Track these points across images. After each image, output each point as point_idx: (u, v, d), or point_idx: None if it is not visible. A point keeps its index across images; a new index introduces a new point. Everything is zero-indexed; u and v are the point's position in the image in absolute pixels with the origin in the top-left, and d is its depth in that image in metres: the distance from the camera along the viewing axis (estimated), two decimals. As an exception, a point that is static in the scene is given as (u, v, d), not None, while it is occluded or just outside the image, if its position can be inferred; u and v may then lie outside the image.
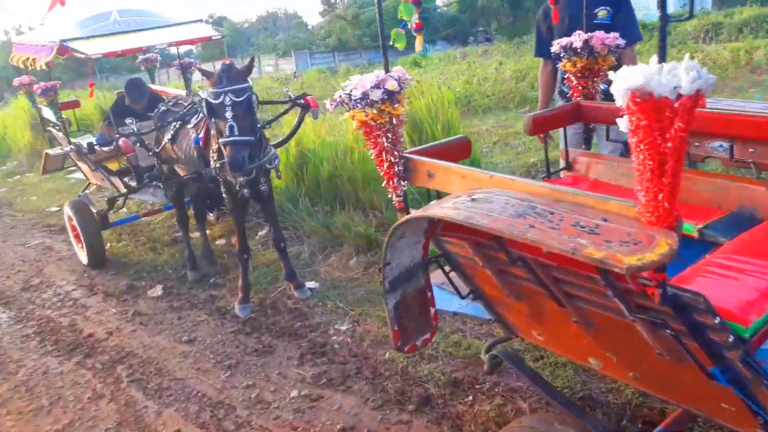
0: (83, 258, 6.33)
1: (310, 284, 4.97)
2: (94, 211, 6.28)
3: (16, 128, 14.87)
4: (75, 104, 7.06)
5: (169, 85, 9.33)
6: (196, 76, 6.93)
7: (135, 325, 4.78)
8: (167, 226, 7.35)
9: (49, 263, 6.74)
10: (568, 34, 2.96)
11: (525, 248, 1.89)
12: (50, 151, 6.34)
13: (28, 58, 6.06)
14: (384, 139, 2.30)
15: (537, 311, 2.24)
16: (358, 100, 2.19)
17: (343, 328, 4.25)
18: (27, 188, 11.48)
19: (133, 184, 5.41)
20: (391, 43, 2.37)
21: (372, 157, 2.47)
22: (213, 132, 4.31)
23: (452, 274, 2.53)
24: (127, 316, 4.96)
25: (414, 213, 1.99)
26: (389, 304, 2.23)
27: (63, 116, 6.05)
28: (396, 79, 2.21)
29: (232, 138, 3.75)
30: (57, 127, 6.38)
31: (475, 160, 5.97)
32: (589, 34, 2.90)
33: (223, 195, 4.49)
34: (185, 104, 4.95)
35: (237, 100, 3.79)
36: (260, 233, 6.40)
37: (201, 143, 4.50)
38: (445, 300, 2.68)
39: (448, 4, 59.18)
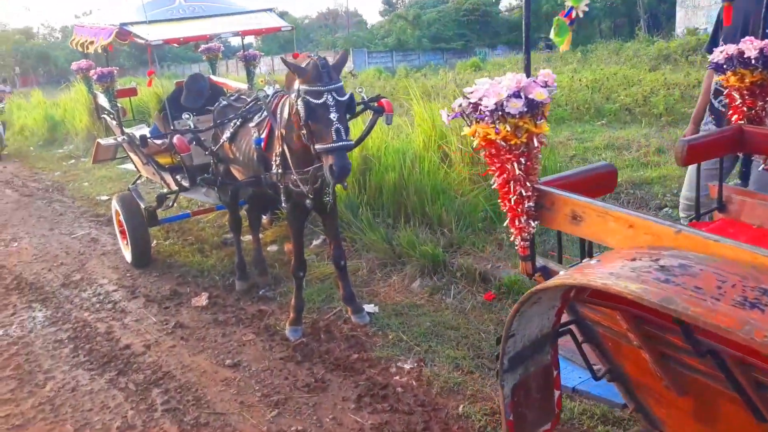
0: (128, 256, 5.97)
1: (368, 307, 4.44)
2: (143, 206, 5.91)
3: (75, 112, 14.88)
4: (132, 92, 6.72)
5: (228, 78, 8.94)
6: (259, 70, 6.49)
7: (175, 340, 4.33)
8: (217, 226, 6.95)
9: (92, 257, 6.40)
10: (734, 39, 2.34)
11: (727, 342, 1.30)
12: (102, 141, 6.00)
13: (86, 41, 5.71)
14: (516, 165, 1.73)
15: (709, 414, 1.65)
16: (490, 112, 1.63)
17: (407, 366, 3.70)
18: (80, 174, 11.33)
19: (186, 183, 4.98)
20: (552, 35, 1.81)
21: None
22: (277, 133, 3.84)
23: (584, 345, 1.94)
24: (167, 328, 4.53)
25: (566, 276, 1.43)
26: (506, 386, 1.67)
27: (118, 104, 5.68)
28: (543, 86, 1.64)
29: (340, 143, 3.25)
30: (111, 116, 6.03)
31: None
32: (766, 41, 2.27)
33: (282, 203, 3.99)
34: (248, 100, 4.49)
35: (340, 99, 3.31)
36: (315, 242, 5.91)
37: (263, 144, 4.02)
38: (564, 372, 2.10)
39: (510, 9, 58.13)
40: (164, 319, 4.72)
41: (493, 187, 1.90)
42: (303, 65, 3.36)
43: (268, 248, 6.00)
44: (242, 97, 4.73)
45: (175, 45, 5.77)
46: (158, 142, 5.54)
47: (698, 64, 17.78)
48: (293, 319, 4.22)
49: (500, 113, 1.64)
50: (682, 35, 36.06)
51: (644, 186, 6.53)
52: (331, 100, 3.28)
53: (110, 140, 5.99)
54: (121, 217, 5.79)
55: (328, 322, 4.37)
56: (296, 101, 3.34)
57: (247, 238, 5.72)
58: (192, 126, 4.34)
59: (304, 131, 3.38)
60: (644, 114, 9.81)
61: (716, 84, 3.23)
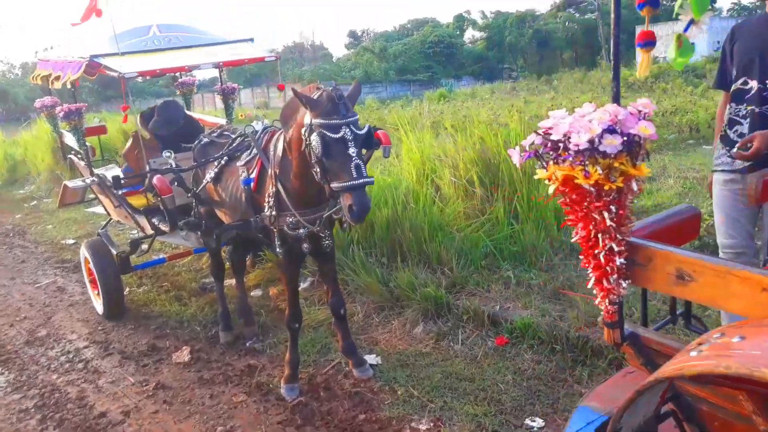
0: (99, 307, 5.50)
1: (370, 358, 4.07)
2: (114, 252, 5.47)
3: (37, 151, 14.27)
4: (101, 130, 6.32)
5: (204, 113, 8.56)
6: (237, 103, 6.13)
7: (158, 404, 3.89)
8: (194, 270, 6.51)
9: (59, 309, 5.90)
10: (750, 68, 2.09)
11: None
12: (69, 183, 5.56)
13: (50, 76, 5.31)
14: (605, 214, 1.41)
15: None
16: (577, 152, 1.31)
17: (423, 427, 3.33)
18: (43, 216, 10.76)
19: (165, 227, 4.57)
20: (671, 55, 1.51)
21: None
22: (270, 172, 3.49)
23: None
24: (148, 390, 4.08)
25: (711, 363, 1.09)
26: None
27: (87, 144, 5.27)
28: (644, 119, 1.34)
29: (361, 179, 2.93)
30: (79, 156, 5.60)
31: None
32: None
33: (276, 248, 3.62)
34: (233, 137, 4.14)
35: (358, 133, 3.01)
36: (303, 285, 5.52)
37: (253, 185, 3.66)
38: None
39: (474, 41, 59.04)
40: (143, 379, 4.26)
41: (573, 240, 1.57)
42: (316, 97, 3.04)
43: (252, 293, 5.58)
44: (225, 133, 4.37)
45: (146, 78, 5.38)
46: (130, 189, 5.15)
47: (669, 91, 18.08)
48: (289, 376, 3.82)
49: (590, 152, 1.33)
50: (642, 64, 37.14)
51: (640, 215, 6.32)
52: (349, 134, 2.96)
53: (78, 182, 5.55)
54: (91, 265, 5.33)
55: (327, 377, 3.98)
56: (307, 136, 3.02)
57: (229, 282, 5.32)
58: (173, 164, 3.96)
59: (317, 169, 3.04)
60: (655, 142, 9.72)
61: (730, 113, 2.99)
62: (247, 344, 4.63)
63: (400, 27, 66.92)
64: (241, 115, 6.37)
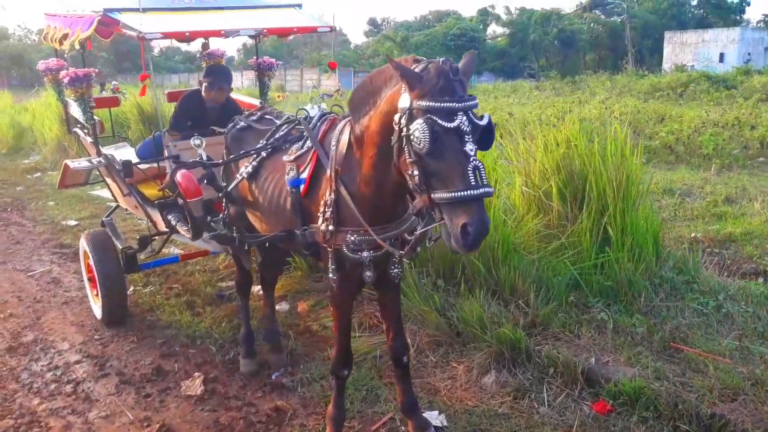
0: (97, 311, 4.67)
1: (432, 416, 3.21)
2: (120, 247, 4.63)
3: (45, 119, 13.43)
4: (113, 102, 5.47)
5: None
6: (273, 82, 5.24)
7: (161, 458, 3.05)
8: (209, 271, 5.67)
9: (51, 307, 5.08)
10: None
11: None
12: (71, 163, 4.70)
13: (59, 34, 4.45)
14: None
15: None
16: None
17: None
18: (46, 190, 9.95)
19: (185, 233, 3.69)
20: None
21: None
22: (329, 173, 2.62)
23: None
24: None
25: None
26: None
27: (95, 117, 4.40)
28: None
29: (481, 189, 2.07)
30: (85, 130, 4.75)
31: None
32: None
33: (330, 275, 2.76)
34: (277, 122, 3.27)
35: (479, 123, 2.14)
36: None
37: (303, 188, 2.79)
38: None
39: (496, 37, 57.91)
40: (144, 416, 3.43)
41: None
42: (419, 69, 2.18)
43: (278, 307, 4.73)
44: (267, 117, 3.50)
45: (170, 43, 4.51)
46: (144, 167, 4.28)
47: (703, 99, 17.17)
48: (331, 434, 2.98)
49: None
50: (670, 71, 36.13)
51: (728, 244, 5.43)
52: (466, 124, 2.09)
53: (82, 162, 4.69)
54: (91, 261, 4.49)
55: (378, 437, 3.13)
56: (405, 125, 2.15)
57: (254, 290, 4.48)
58: (204, 156, 3.09)
59: (414, 171, 2.18)
60: (689, 154, 8.80)
61: None
62: (274, 377, 3.78)
63: (421, 17, 66.11)
64: (279, 96, 5.46)
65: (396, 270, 2.77)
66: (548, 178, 4.48)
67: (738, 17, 51.37)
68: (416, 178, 2.17)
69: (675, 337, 3.51)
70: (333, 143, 2.69)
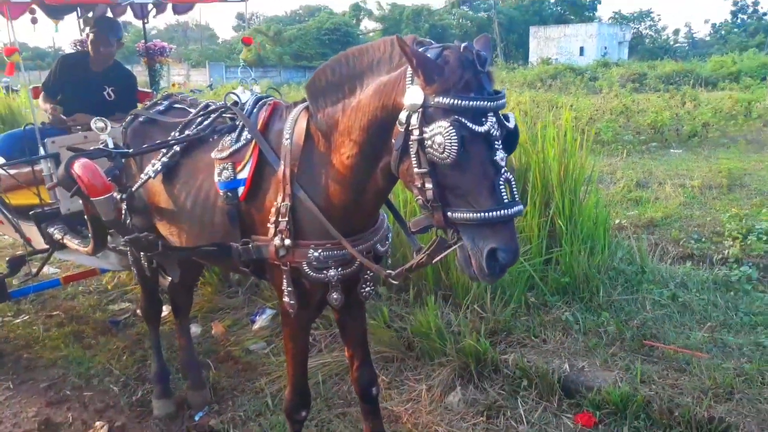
0: (-44, 353, 3.76)
1: (401, 450, 2.75)
2: (-17, 272, 3.76)
3: None
4: None
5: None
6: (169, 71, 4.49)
7: None
8: (96, 292, 4.83)
9: None
10: None
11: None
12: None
13: None
14: None
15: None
16: None
17: None
18: None
19: (79, 246, 2.94)
20: None
21: None
22: (281, 173, 2.08)
23: None
24: None
25: None
26: None
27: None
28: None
29: (514, 207, 1.65)
30: None
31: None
32: None
33: (286, 298, 2.20)
34: (191, 111, 2.64)
35: (508, 127, 1.71)
36: (261, 319, 4.07)
37: (243, 191, 2.21)
38: None
39: (368, 32, 58.26)
40: (35, 491, 2.69)
41: None
42: (433, 55, 1.70)
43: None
44: (177, 106, 2.83)
45: (31, 19, 3.66)
46: (18, 171, 3.47)
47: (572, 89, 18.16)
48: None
49: None
50: (537, 64, 38.06)
51: (652, 229, 5.41)
52: (497, 127, 1.66)
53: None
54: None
55: (342, 484, 2.62)
56: (419, 127, 1.68)
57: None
58: (109, 143, 2.39)
59: (424, 184, 1.71)
60: (594, 141, 8.94)
61: None
62: (197, 418, 3.15)
63: (292, 12, 65.51)
64: (175, 85, 4.72)
65: (368, 288, 2.27)
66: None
67: (591, 14, 55.14)
68: (428, 192, 1.70)
69: (645, 333, 3.27)
70: (286, 135, 2.14)
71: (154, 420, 3.16)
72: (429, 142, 1.65)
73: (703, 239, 4.99)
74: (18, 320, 4.43)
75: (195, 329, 4.10)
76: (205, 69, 45.31)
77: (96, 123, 2.35)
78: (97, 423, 3.14)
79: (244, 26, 65.47)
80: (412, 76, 1.72)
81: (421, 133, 1.67)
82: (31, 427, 3.15)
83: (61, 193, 3.15)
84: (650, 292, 3.67)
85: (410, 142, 1.71)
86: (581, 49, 45.07)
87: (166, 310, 3.88)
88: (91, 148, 2.55)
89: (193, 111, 2.66)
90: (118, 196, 2.51)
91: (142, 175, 2.56)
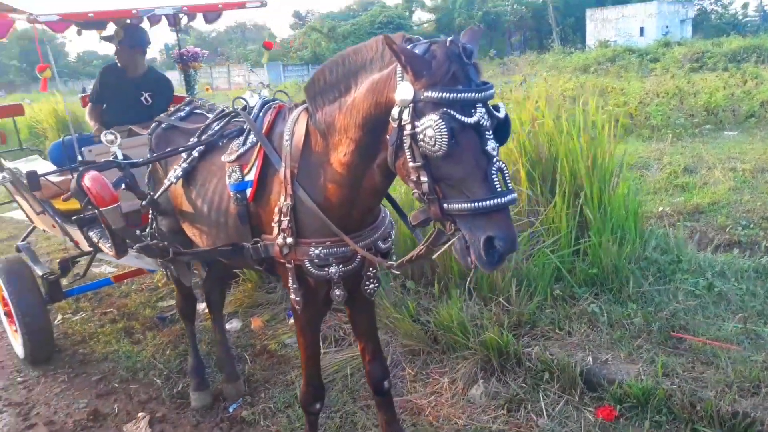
0: (18, 349, 4.06)
1: (420, 442, 2.81)
2: (40, 273, 4.03)
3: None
4: (16, 110, 4.80)
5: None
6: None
7: None
8: (147, 290, 5.09)
9: (-35, 348, 4.41)
10: None
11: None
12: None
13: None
14: None
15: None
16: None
17: None
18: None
19: (108, 250, 3.15)
20: None
21: None
22: (282, 173, 2.17)
23: None
24: (87, 500, 2.72)
25: None
26: None
27: (-7, 127, 3.79)
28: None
29: (508, 195, 1.69)
30: (-16, 144, 4.11)
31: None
32: None
33: (292, 295, 2.30)
34: (209, 116, 2.77)
35: (499, 117, 1.75)
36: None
37: (250, 192, 2.32)
38: None
39: (422, 23, 57.90)
40: (80, 476, 2.90)
41: None
42: (421, 51, 1.75)
43: (227, 326, 4.23)
44: (197, 111, 2.98)
45: (77, 30, 3.87)
46: (57, 179, 3.71)
47: (631, 72, 17.53)
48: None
49: None
50: (595, 47, 36.90)
51: (697, 216, 5.23)
52: (486, 118, 1.71)
53: (-13, 179, 4.05)
54: (6, 293, 3.88)
55: (360, 474, 2.70)
56: (411, 121, 1.72)
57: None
58: (119, 155, 2.55)
59: (419, 178, 1.76)
60: (638, 125, 8.69)
61: None
62: (231, 409, 3.30)
63: (346, 8, 65.80)
64: (207, 89, 4.90)
65: (371, 285, 2.33)
66: (515, 161, 4.11)
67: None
68: (424, 185, 1.75)
69: (674, 325, 3.20)
70: (286, 136, 2.22)
71: (192, 411, 3.33)
72: (421, 136, 1.69)
73: (752, 225, 4.80)
74: (76, 317, 4.73)
75: (236, 324, 4.28)
76: (263, 69, 46.29)
77: (106, 136, 2.50)
78: (140, 414, 3.34)
79: (301, 24, 66.32)
80: (402, 72, 1.77)
81: (413, 127, 1.72)
82: (81, 417, 3.37)
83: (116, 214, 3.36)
84: (684, 282, 3.57)
85: (404, 137, 1.76)
86: (641, 30, 43.36)
87: (202, 306, 4.07)
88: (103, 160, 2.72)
89: (210, 116, 2.79)
90: (141, 203, 2.66)
91: (165, 181, 2.71)
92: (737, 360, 2.82)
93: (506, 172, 1.72)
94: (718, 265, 3.85)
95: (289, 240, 2.18)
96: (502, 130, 1.77)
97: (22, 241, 4.61)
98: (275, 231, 2.23)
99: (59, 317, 4.72)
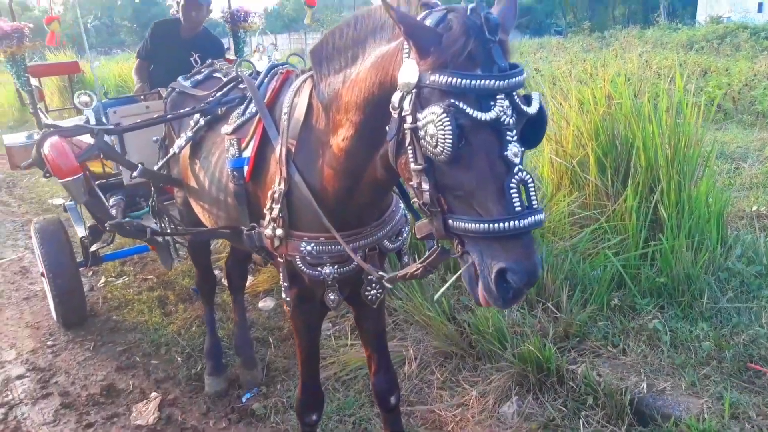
0: (54, 311, 4.01)
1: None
2: (81, 235, 3.94)
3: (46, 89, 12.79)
4: (71, 68, 4.73)
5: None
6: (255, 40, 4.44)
7: None
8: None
9: (10, 303, 4.47)
10: None
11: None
12: (8, 139, 4.00)
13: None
14: None
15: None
16: None
17: None
18: (40, 166, 9.33)
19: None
20: None
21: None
22: (278, 152, 1.86)
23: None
24: (77, 484, 2.58)
25: None
26: None
27: (33, 84, 3.67)
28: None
29: (531, 217, 1.29)
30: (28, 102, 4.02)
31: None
32: None
33: (283, 294, 2.02)
34: (222, 77, 2.49)
35: (527, 112, 1.33)
36: (262, 304, 3.91)
37: (247, 170, 2.02)
38: None
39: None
40: (78, 456, 2.77)
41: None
42: (432, 23, 1.38)
43: (260, 304, 4.03)
44: (216, 75, 2.71)
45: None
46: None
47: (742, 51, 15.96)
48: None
49: None
50: (705, 23, 34.21)
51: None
52: (509, 113, 1.30)
53: (21, 138, 3.98)
54: (39, 254, 3.83)
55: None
56: (413, 111, 1.35)
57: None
58: (91, 119, 2.31)
59: (423, 183, 1.39)
60: (740, 111, 7.79)
61: None
62: (244, 399, 3.09)
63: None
64: (256, 52, 4.64)
65: (374, 292, 1.99)
66: (584, 144, 3.63)
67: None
68: (425, 194, 1.38)
69: (752, 353, 2.69)
70: (285, 108, 1.90)
71: (204, 396, 3.14)
72: (422, 133, 1.32)
73: None
74: (119, 281, 4.67)
75: (269, 303, 4.08)
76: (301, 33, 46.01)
77: (79, 97, 2.27)
78: (153, 394, 3.19)
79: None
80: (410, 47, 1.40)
81: (415, 120, 1.35)
82: (95, 390, 3.26)
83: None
84: (772, 301, 3.03)
85: (404, 132, 1.40)
86: (759, 5, 39.81)
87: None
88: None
89: (224, 79, 2.51)
90: (132, 175, 2.43)
91: (170, 151, 2.47)
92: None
93: (530, 185, 1.32)
94: (820, 282, 3.25)
95: (279, 232, 1.88)
96: (533, 129, 1.36)
97: (70, 201, 4.57)
98: (266, 220, 1.93)
99: (102, 279, 4.68)
